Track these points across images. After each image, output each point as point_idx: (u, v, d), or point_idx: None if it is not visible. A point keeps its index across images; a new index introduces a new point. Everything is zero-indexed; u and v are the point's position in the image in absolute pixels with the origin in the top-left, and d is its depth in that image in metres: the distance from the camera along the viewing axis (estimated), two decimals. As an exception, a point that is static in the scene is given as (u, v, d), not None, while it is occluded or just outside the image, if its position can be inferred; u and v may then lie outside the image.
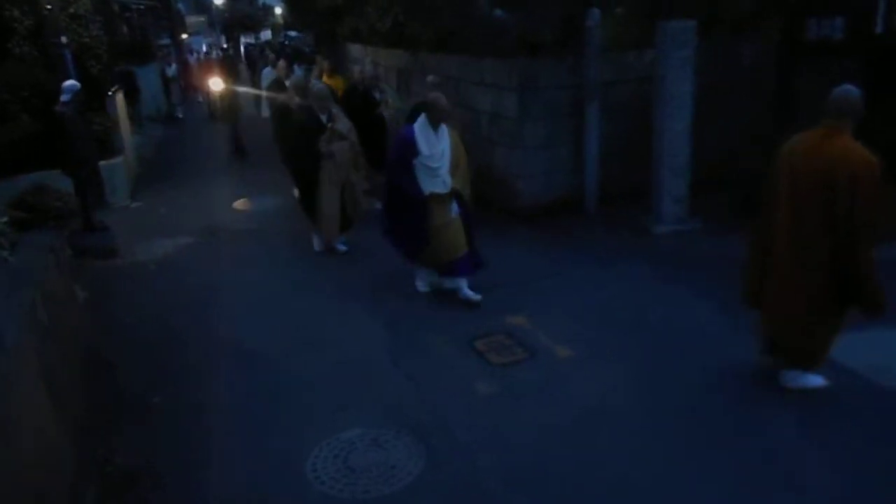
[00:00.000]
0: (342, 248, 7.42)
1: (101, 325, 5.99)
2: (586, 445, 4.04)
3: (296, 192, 7.96)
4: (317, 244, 7.56)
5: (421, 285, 6.27)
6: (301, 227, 7.91)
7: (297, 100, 8.46)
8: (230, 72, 17.63)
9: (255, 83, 17.44)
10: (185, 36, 26.66)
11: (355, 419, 4.40)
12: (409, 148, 5.68)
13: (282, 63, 12.67)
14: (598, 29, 7.58)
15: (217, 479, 3.95)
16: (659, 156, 7.35)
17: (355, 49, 15.00)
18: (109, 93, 10.96)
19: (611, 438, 4.09)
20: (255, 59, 21.52)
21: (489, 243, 6.45)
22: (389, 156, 6.11)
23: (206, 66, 18.10)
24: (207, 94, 16.87)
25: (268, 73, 13.42)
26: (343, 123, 7.09)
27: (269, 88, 11.51)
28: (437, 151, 5.68)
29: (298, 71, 12.80)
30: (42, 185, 7.46)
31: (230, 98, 14.01)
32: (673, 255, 6.80)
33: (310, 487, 3.83)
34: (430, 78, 8.51)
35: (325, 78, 10.80)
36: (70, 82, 8.20)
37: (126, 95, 12.60)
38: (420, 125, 5.72)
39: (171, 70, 18.97)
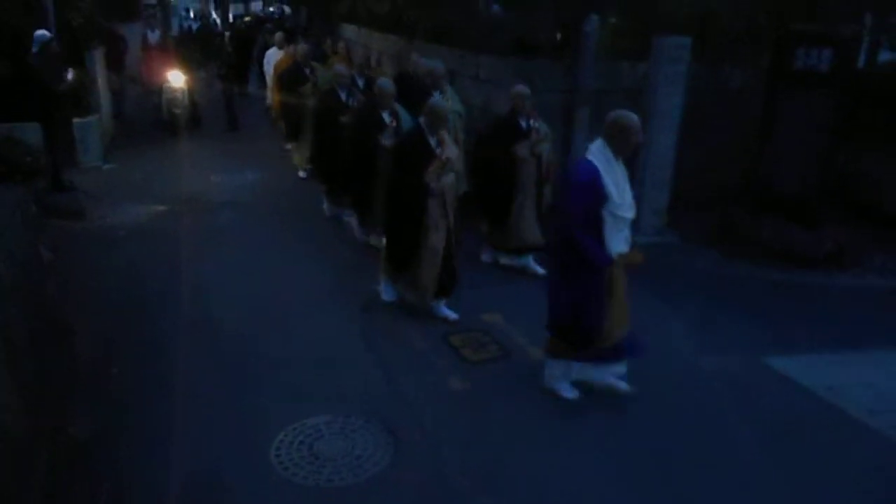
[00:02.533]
0: (450, 314, 5.55)
1: (64, 288, 5.79)
2: (554, 447, 4.02)
3: (369, 239, 6.85)
4: (386, 294, 5.80)
5: (567, 390, 4.52)
6: (285, 204, 7.78)
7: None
8: (210, 52, 14.93)
9: (241, 68, 15.01)
10: (173, -1, 25.89)
11: (323, 405, 4.33)
12: (598, 193, 3.99)
13: (303, 47, 10.04)
14: (595, 35, 7.59)
15: (175, 457, 3.84)
16: (643, 167, 7.40)
17: (349, 30, 14.82)
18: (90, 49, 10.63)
19: (578, 441, 4.08)
20: (247, 37, 17.19)
21: (470, 242, 6.40)
22: (565, 208, 4.20)
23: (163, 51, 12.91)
24: (161, 88, 12.24)
25: (272, 56, 11.97)
26: (452, 149, 5.36)
27: (286, 81, 9.53)
28: (627, 196, 4.11)
29: (305, 45, 10.61)
30: (12, 137, 7.25)
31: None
32: (648, 265, 6.83)
33: (272, 472, 3.75)
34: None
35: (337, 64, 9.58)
36: (39, 32, 7.94)
37: (111, 56, 12.14)
38: (600, 156, 4.04)
39: (155, 36, 17.40)
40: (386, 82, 6.52)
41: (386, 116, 6.30)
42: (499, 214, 6.34)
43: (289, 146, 10.18)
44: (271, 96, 12.04)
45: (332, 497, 3.61)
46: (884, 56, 8.62)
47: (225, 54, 13.95)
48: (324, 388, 4.55)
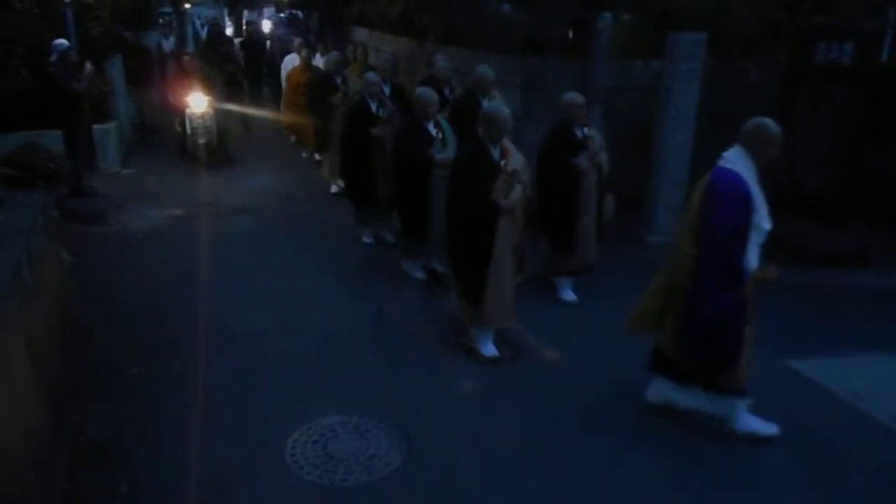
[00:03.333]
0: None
1: (85, 291, 5.89)
2: (566, 451, 4.02)
3: (431, 263, 6.27)
4: (486, 346, 5.09)
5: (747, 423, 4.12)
6: (300, 209, 7.80)
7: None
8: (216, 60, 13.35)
9: (253, 81, 14.84)
10: (187, 5, 25.93)
11: (337, 405, 4.37)
12: (749, 206, 3.71)
13: (335, 54, 9.42)
14: (608, 33, 7.56)
15: (192, 456, 3.88)
16: (658, 166, 7.36)
17: (360, 33, 14.89)
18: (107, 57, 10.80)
19: (592, 445, 4.08)
20: (262, 44, 16.09)
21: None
22: (719, 224, 3.74)
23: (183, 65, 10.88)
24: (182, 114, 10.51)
25: (291, 62, 11.45)
26: (517, 157, 4.91)
27: (315, 91, 9.07)
28: (765, 205, 3.80)
29: (336, 53, 9.77)
30: (34, 143, 7.40)
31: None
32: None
33: (288, 472, 3.79)
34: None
35: (357, 71, 9.37)
36: (58, 41, 8.08)
37: (133, 67, 12.35)
38: (742, 165, 3.76)
39: (169, 44, 15.67)
40: (427, 91, 6.05)
41: (431, 128, 5.80)
42: (564, 238, 5.78)
43: (317, 156, 10.23)
44: (283, 105, 11.59)
45: (346, 496, 3.64)
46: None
47: (233, 61, 13.81)
48: (337, 388, 4.59)
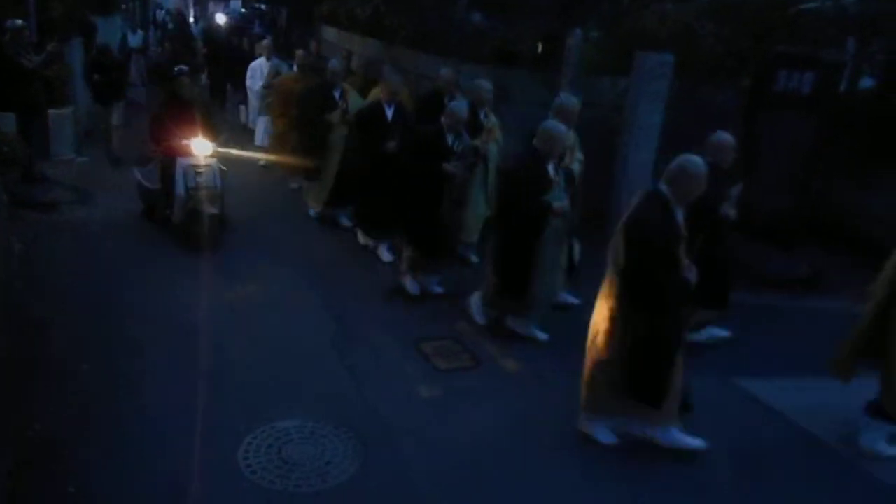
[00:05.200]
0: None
1: (35, 282, 5.70)
2: (523, 458, 4.04)
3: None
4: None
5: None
6: (261, 206, 7.56)
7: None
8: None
9: (217, 84, 12.79)
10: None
11: (293, 409, 4.31)
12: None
13: (334, 63, 7.95)
14: (578, 49, 7.65)
15: (141, 459, 3.79)
16: (620, 183, 7.45)
17: (330, 33, 14.78)
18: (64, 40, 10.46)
19: (549, 453, 4.12)
20: (224, 45, 13.46)
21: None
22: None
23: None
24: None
25: (259, 68, 9.99)
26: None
27: (308, 106, 7.66)
28: None
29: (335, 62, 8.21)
30: (-13, 126, 7.11)
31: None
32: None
33: (240, 476, 3.73)
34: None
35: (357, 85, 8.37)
36: (11, 20, 7.87)
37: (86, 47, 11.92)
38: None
39: (136, 39, 13.81)
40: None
41: (551, 169, 5.19)
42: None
43: (293, 184, 8.83)
44: (271, 123, 9.41)
45: (301, 502, 3.59)
46: (865, 83, 8.77)
47: (202, 63, 12.73)
48: (294, 392, 4.53)
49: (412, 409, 4.47)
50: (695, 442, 4.11)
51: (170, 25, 20.50)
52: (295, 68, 9.49)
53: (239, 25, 17.57)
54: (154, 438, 3.96)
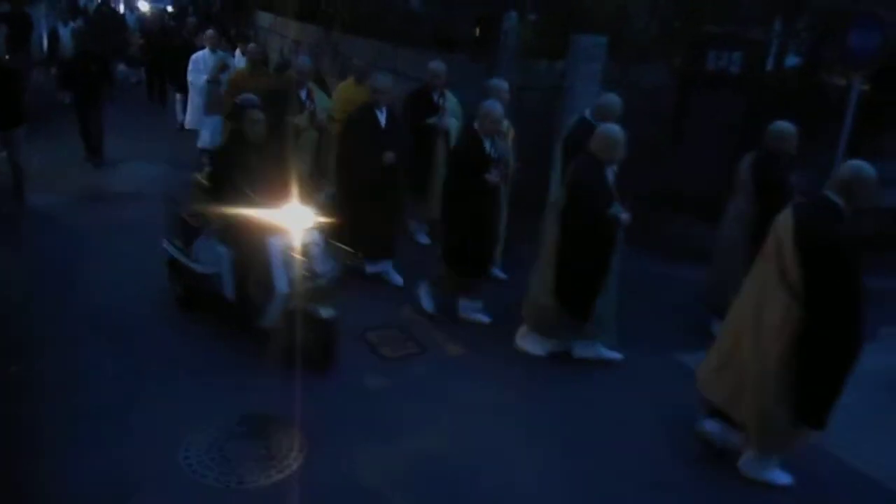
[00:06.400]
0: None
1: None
2: (470, 446, 4.06)
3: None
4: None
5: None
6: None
7: None
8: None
9: (155, 81, 12.20)
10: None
11: (235, 405, 4.23)
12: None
13: (303, 60, 7.24)
14: (515, 33, 7.67)
15: (76, 462, 3.68)
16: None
17: (265, 18, 14.47)
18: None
19: (495, 439, 4.14)
20: (163, 37, 12.30)
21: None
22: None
23: None
24: None
25: (203, 60, 8.90)
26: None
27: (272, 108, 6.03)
28: None
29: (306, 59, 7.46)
30: None
31: None
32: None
33: (180, 475, 3.65)
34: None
35: (350, 86, 7.23)
36: None
37: (14, 38, 11.14)
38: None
39: (66, 33, 12.29)
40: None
41: (610, 175, 4.81)
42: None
43: None
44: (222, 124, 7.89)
45: (244, 499, 3.54)
46: (791, 61, 9.05)
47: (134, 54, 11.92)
48: (235, 387, 4.44)
49: (358, 400, 4.43)
50: None
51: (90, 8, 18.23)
52: (241, 62, 8.85)
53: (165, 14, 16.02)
54: (87, 441, 3.84)
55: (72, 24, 12.84)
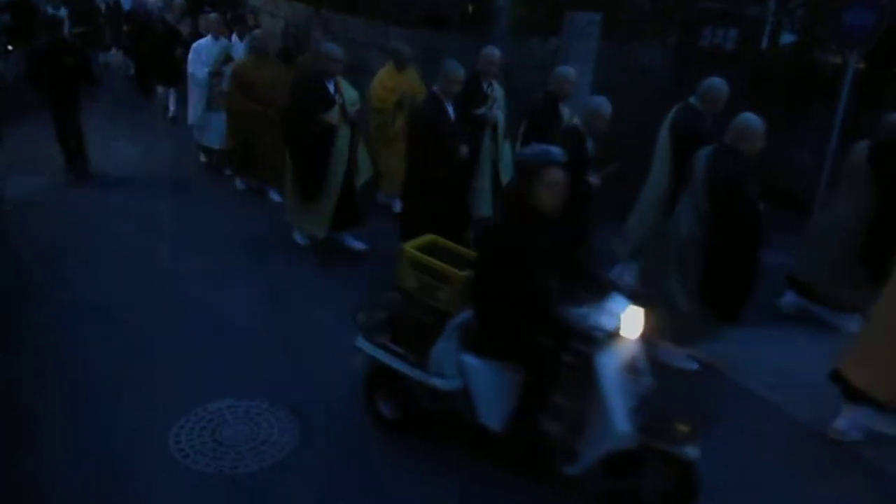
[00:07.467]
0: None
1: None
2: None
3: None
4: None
5: None
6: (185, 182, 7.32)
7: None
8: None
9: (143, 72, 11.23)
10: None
11: (226, 389, 4.19)
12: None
13: (334, 49, 5.95)
14: (507, 10, 7.58)
15: (67, 448, 3.65)
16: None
17: (254, -4, 14.23)
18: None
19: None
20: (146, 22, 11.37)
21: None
22: None
23: None
24: None
25: (205, 50, 8.02)
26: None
27: (302, 104, 5.81)
28: None
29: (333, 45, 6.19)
30: None
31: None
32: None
33: (172, 461, 3.61)
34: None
35: (392, 73, 6.93)
36: None
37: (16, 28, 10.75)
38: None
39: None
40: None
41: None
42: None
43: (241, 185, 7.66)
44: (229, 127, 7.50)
45: (236, 484, 3.50)
46: (786, 38, 8.99)
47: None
48: (226, 371, 4.40)
49: (349, 382, 4.35)
50: None
51: None
52: (239, 48, 8.15)
53: None
54: (78, 427, 3.81)
55: (63, 8, 12.02)
